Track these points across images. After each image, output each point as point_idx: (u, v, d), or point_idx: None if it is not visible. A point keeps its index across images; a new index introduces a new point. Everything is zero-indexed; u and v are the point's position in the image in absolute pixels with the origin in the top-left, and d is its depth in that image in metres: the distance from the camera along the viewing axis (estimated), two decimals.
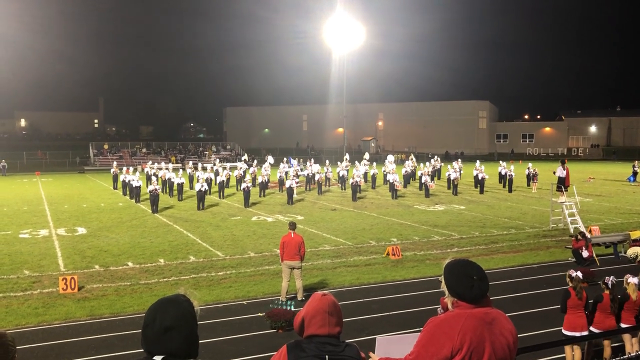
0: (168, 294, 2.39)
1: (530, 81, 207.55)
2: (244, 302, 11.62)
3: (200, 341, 2.32)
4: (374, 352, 3.25)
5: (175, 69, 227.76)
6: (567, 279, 8.35)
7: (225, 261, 15.11)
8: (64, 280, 12.13)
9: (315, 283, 12.91)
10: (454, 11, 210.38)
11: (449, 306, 2.78)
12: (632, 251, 15.34)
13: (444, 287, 2.83)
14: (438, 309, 3.01)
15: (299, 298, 11.50)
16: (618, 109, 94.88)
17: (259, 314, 10.65)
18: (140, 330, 2.30)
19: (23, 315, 10.66)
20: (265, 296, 11.91)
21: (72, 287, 12.09)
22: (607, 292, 8.03)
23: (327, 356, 2.66)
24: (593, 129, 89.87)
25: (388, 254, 15.46)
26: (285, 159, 37.28)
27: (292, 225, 11.96)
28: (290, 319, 9.67)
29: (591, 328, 8.08)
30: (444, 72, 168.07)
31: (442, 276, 2.83)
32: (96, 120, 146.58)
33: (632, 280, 8.15)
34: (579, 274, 8.34)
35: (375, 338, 3.44)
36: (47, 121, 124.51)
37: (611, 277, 8.21)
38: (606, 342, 8.28)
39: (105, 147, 66.52)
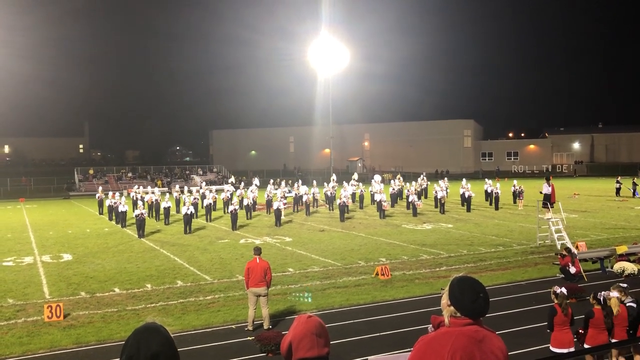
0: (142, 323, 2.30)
1: (514, 99, 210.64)
2: (233, 326, 11.50)
3: None
4: None
5: (161, 92, 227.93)
6: (552, 296, 8.35)
7: (213, 285, 14.97)
8: (49, 308, 11.94)
9: (304, 305, 12.82)
10: (437, 34, 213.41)
11: (445, 320, 2.77)
12: (619, 266, 15.45)
13: (445, 299, 2.81)
14: (429, 328, 2.97)
15: (265, 327, 10.99)
16: (600, 126, 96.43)
17: (249, 338, 10.54)
18: None
19: (7, 344, 10.45)
20: (255, 320, 11.79)
21: (58, 314, 11.88)
22: (598, 307, 8.02)
23: None
24: (576, 145, 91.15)
25: (377, 274, 15.42)
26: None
27: (257, 251, 11.37)
28: (280, 342, 9.56)
29: (585, 345, 8.01)
30: (429, 93, 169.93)
31: (447, 287, 2.82)
32: (81, 146, 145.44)
33: (614, 294, 8.14)
34: (564, 290, 8.33)
35: (367, 359, 3.42)
36: (32, 147, 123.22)
37: (603, 292, 8.21)
38: None
39: (91, 172, 65.96)
